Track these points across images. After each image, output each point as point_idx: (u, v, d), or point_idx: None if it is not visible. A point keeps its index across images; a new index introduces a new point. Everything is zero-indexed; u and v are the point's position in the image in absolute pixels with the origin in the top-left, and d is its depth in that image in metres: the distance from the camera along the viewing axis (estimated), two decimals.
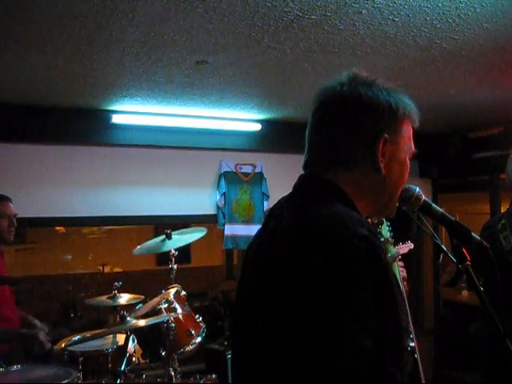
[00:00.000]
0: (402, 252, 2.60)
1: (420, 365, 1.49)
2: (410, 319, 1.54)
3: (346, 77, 1.14)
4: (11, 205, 3.26)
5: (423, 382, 1.50)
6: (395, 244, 2.60)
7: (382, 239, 1.84)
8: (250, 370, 1.07)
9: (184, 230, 3.59)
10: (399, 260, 2.04)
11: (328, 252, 0.94)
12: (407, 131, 1.15)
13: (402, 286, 1.66)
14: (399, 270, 1.72)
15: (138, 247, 3.41)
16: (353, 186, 1.10)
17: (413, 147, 1.17)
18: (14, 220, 3.25)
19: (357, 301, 0.91)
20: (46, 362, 2.92)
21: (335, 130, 1.10)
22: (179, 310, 3.06)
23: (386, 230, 1.84)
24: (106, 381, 2.96)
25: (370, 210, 1.15)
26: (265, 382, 1.01)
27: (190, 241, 3.50)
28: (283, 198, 1.19)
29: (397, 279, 1.65)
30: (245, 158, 4.63)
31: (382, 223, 1.85)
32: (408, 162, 1.17)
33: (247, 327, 1.11)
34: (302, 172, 1.18)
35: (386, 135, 1.10)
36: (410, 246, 2.63)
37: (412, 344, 1.40)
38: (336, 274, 0.92)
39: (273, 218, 1.15)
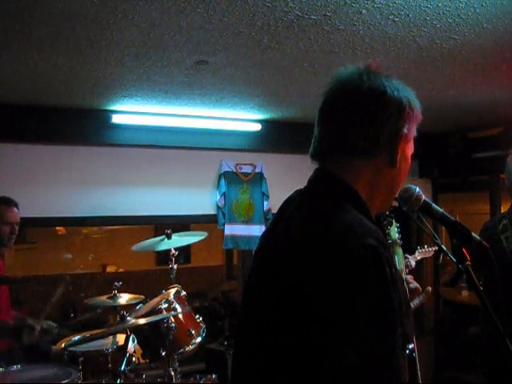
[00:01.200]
0: (424, 256, 2.56)
1: (418, 365, 1.47)
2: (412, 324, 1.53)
3: (364, 68, 1.15)
4: (16, 211, 3.22)
5: (420, 382, 1.49)
6: (420, 248, 2.57)
7: (391, 241, 1.83)
8: (254, 368, 1.08)
9: (185, 232, 3.59)
10: (410, 272, 2.01)
11: (335, 261, 0.95)
12: (415, 131, 1.18)
13: (407, 285, 1.64)
14: (405, 266, 1.72)
15: (137, 244, 3.42)
16: (367, 179, 1.12)
17: (413, 147, 1.19)
18: (17, 227, 3.22)
19: (355, 311, 0.92)
20: (45, 362, 2.92)
21: (359, 121, 1.11)
22: (179, 310, 3.06)
23: (394, 232, 1.84)
24: (106, 381, 2.96)
25: (376, 205, 1.16)
26: (269, 379, 1.01)
27: (190, 242, 3.51)
28: (298, 190, 1.18)
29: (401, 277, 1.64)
30: (245, 158, 4.63)
31: (391, 224, 1.84)
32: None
33: (253, 325, 1.11)
34: (309, 164, 1.18)
35: (406, 131, 1.12)
36: (433, 249, 2.60)
37: (411, 346, 1.38)
38: (340, 282, 0.94)
39: (285, 216, 1.15)
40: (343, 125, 1.12)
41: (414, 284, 1.68)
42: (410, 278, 1.70)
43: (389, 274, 0.95)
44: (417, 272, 5.51)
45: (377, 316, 0.92)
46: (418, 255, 2.53)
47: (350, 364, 0.90)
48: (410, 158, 1.18)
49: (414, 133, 1.16)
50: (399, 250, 1.79)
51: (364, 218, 1.04)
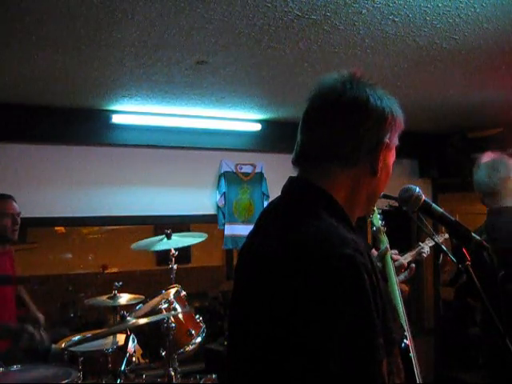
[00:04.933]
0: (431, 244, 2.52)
1: (416, 364, 1.46)
2: (404, 320, 1.52)
3: (348, 76, 1.14)
4: (14, 203, 3.26)
5: (419, 381, 1.49)
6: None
7: (374, 228, 1.81)
8: (244, 371, 1.09)
9: (185, 233, 3.59)
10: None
11: (311, 273, 0.95)
12: (397, 140, 1.18)
13: (397, 285, 1.62)
14: (393, 264, 1.70)
15: (136, 243, 3.41)
16: (345, 186, 1.12)
17: (394, 155, 1.20)
18: (18, 218, 3.25)
19: (332, 321, 0.92)
20: (45, 362, 2.91)
21: (341, 129, 1.11)
22: (179, 310, 3.06)
23: (377, 219, 1.81)
24: (106, 381, 2.96)
25: (356, 212, 1.16)
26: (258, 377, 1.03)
27: (189, 243, 3.51)
28: (272, 201, 1.19)
29: (391, 277, 1.64)
30: (245, 157, 4.63)
31: (373, 212, 1.81)
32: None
33: (241, 334, 1.12)
34: (295, 166, 1.20)
35: (388, 140, 1.12)
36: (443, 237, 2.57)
37: (406, 341, 1.37)
38: (316, 293, 0.94)
39: (263, 226, 1.16)
40: (325, 132, 1.12)
41: (400, 261, 1.70)
42: (395, 254, 1.70)
43: (367, 282, 0.95)
44: (416, 272, 5.50)
45: (354, 326, 0.92)
46: (429, 242, 2.49)
47: (329, 373, 0.90)
48: (391, 166, 1.18)
49: (395, 142, 1.16)
50: (384, 238, 1.77)
51: (340, 225, 1.04)
